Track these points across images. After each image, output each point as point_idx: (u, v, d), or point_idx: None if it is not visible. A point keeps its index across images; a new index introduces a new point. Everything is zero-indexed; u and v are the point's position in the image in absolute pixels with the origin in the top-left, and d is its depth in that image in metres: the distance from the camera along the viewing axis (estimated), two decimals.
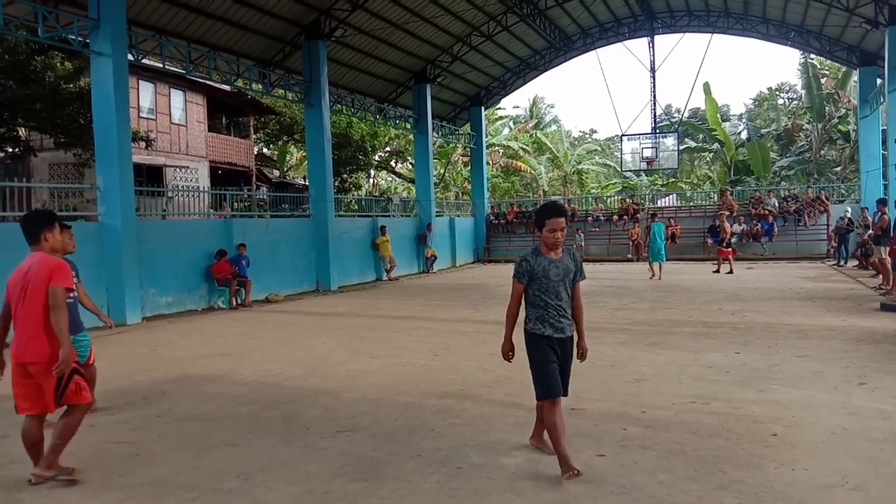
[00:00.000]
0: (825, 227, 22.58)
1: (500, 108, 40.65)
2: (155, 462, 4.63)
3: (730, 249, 19.00)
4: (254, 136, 31.52)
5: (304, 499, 3.93)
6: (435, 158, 29.66)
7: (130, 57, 13.57)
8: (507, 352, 4.45)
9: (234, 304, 14.14)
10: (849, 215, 19.97)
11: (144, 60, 15.34)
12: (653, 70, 26.65)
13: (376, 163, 35.97)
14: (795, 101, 43.76)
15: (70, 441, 4.31)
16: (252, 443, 5.00)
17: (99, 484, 4.25)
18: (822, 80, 33.55)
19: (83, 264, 11.25)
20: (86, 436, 5.25)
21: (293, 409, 5.91)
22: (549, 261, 4.24)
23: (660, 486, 3.94)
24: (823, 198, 23.44)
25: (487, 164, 32.27)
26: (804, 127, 37.23)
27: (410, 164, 35.31)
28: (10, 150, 19.94)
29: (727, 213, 23.88)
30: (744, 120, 45.07)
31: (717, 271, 18.49)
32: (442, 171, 36.74)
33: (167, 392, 6.72)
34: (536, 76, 28.22)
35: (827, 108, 33.06)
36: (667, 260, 18.30)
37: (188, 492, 4.07)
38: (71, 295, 5.26)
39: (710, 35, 25.44)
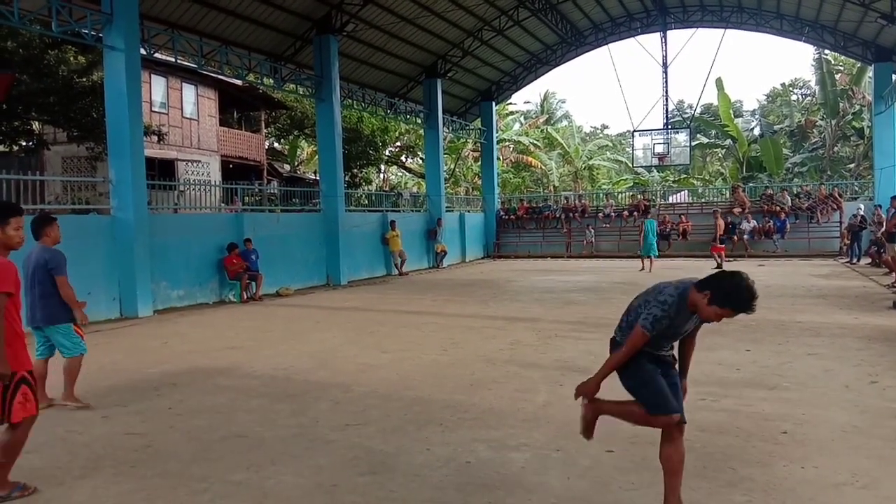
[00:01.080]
0: (838, 224, 22.40)
1: (511, 104, 40.60)
2: (166, 454, 4.67)
3: (722, 246, 19.33)
4: (265, 131, 31.61)
5: (314, 491, 3.96)
6: (445, 153, 29.63)
7: (143, 51, 13.64)
8: (593, 391, 3.66)
9: (245, 297, 14.21)
10: (861, 212, 19.81)
11: (157, 55, 15.40)
12: (665, 65, 26.48)
13: (387, 158, 36.00)
14: (809, 97, 43.43)
15: (18, 457, 4.02)
16: (262, 435, 5.03)
17: (111, 475, 4.30)
18: (837, 76, 33.23)
19: (96, 257, 11.45)
20: (98, 427, 5.32)
21: (303, 402, 5.94)
22: (688, 316, 3.39)
23: None
24: (836, 195, 23.25)
25: (498, 159, 32.20)
26: (818, 123, 36.92)
27: (421, 159, 35.30)
28: (24, 143, 20.12)
29: (739, 209, 23.86)
30: (757, 116, 44.81)
31: (720, 267, 18.59)
32: (452, 166, 36.70)
33: (178, 384, 6.77)
34: (548, 71, 28.13)
35: (841, 105, 32.76)
36: (658, 255, 19.49)
37: (199, 483, 4.11)
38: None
39: (723, 30, 25.25)
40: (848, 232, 20.34)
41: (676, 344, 3.63)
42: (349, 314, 12.00)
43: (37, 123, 20.28)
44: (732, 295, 3.25)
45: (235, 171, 27.51)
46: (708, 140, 39.44)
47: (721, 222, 19.92)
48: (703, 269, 18.96)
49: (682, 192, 34.25)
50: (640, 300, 3.50)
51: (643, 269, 18.77)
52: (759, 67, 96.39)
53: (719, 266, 18.67)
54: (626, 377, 3.59)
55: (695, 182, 40.24)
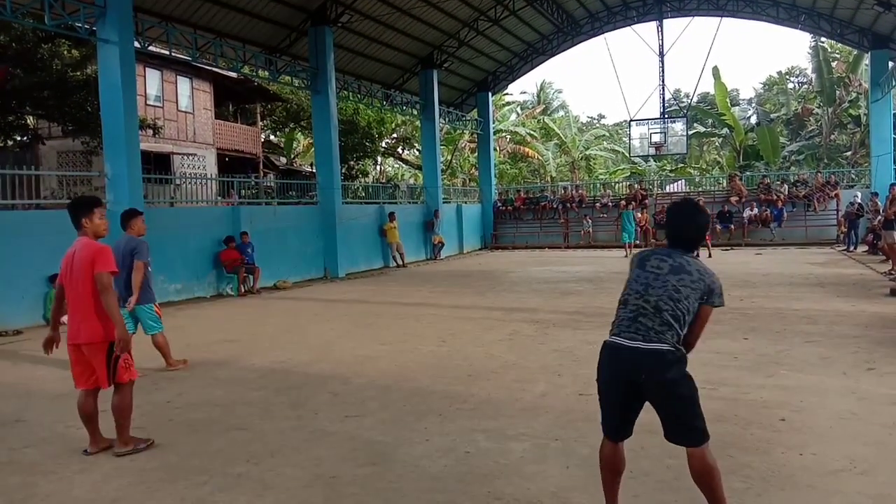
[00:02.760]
0: (835, 212, 22.43)
1: (507, 94, 40.48)
2: (165, 447, 4.67)
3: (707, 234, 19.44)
4: (261, 124, 31.50)
5: (313, 483, 3.96)
6: (442, 145, 29.55)
7: (137, 44, 13.55)
8: None
9: (243, 290, 14.20)
10: (859, 200, 19.83)
11: (151, 48, 15.30)
12: (661, 54, 26.38)
13: (383, 149, 35.91)
14: (806, 86, 43.33)
15: (132, 415, 4.61)
16: (261, 428, 5.04)
17: (110, 468, 4.30)
18: (833, 64, 33.17)
19: None
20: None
21: (302, 395, 5.95)
22: None
23: (667, 470, 3.95)
24: (833, 183, 23.26)
25: (495, 150, 32.14)
26: (814, 111, 36.88)
27: (417, 150, 35.24)
28: (19, 138, 20.02)
29: (736, 198, 23.87)
30: (753, 104, 44.78)
31: (698, 255, 18.76)
32: (449, 157, 36.62)
33: (176, 378, 6.78)
34: (544, 61, 28.00)
35: (837, 92, 32.72)
36: (636, 241, 21.56)
37: (198, 476, 4.11)
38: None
39: (719, 18, 25.14)
40: (845, 220, 20.36)
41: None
42: (347, 306, 12.00)
43: (31, 118, 20.19)
44: None
45: (231, 164, 27.41)
46: (705, 129, 39.39)
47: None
48: (702, 258, 19.00)
49: (679, 182, 34.22)
50: (671, 286, 3.16)
51: (626, 255, 19.96)
52: (755, 56, 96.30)
53: (709, 255, 18.78)
54: (691, 385, 3.17)
55: (692, 171, 40.23)
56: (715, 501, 3.10)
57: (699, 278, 3.20)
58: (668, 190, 30.74)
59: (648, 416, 4.95)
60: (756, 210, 23.29)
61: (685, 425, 3.15)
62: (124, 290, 6.58)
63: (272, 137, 37.13)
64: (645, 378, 3.13)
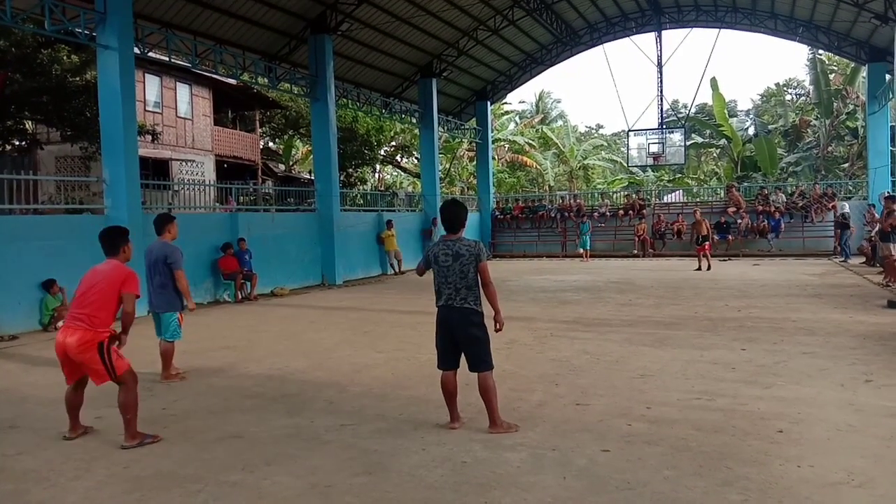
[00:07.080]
0: (832, 223, 22.47)
1: (506, 103, 40.58)
2: (160, 454, 4.64)
3: (707, 244, 18.88)
4: (259, 130, 31.54)
5: (309, 492, 3.94)
6: (440, 153, 29.58)
7: (136, 50, 13.57)
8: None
9: (240, 297, 14.17)
10: (845, 210, 19.89)
11: (150, 54, 15.32)
12: (660, 65, 26.51)
13: (382, 157, 35.94)
14: (803, 97, 43.58)
15: (137, 411, 4.86)
16: (257, 435, 5.01)
17: (104, 476, 4.27)
18: (831, 76, 33.33)
19: (89, 257, 11.35)
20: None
21: (298, 402, 5.92)
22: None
23: (664, 481, 3.93)
24: (830, 194, 23.32)
25: (493, 158, 32.18)
26: (812, 123, 37.02)
27: (416, 158, 35.26)
28: (17, 143, 20.00)
29: (733, 209, 23.92)
30: (751, 115, 44.94)
31: (699, 269, 18.33)
32: (447, 165, 36.68)
33: (172, 385, 6.75)
34: (543, 71, 28.11)
35: (835, 104, 32.87)
36: (591, 247, 24.26)
37: (193, 484, 4.09)
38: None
39: (717, 30, 25.31)
40: (835, 231, 20.44)
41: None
42: (344, 314, 11.98)
43: (30, 123, 20.16)
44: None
45: (230, 170, 27.43)
46: (703, 140, 39.52)
47: (705, 223, 19.37)
48: (701, 270, 19.01)
49: (677, 192, 34.29)
50: (458, 270, 4.98)
51: (584, 260, 23.57)
52: (753, 67, 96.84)
53: (708, 267, 18.40)
54: (483, 329, 4.98)
55: (690, 182, 40.32)
56: (492, 409, 4.91)
57: (468, 253, 4.98)
58: (665, 200, 30.80)
59: (647, 427, 4.95)
60: (748, 219, 23.31)
61: (480, 358, 4.91)
62: (156, 298, 6.94)
63: (271, 144, 37.16)
64: (455, 326, 4.91)
